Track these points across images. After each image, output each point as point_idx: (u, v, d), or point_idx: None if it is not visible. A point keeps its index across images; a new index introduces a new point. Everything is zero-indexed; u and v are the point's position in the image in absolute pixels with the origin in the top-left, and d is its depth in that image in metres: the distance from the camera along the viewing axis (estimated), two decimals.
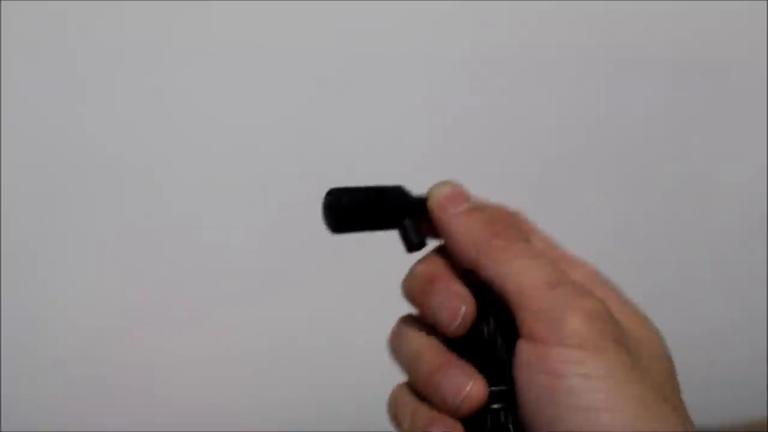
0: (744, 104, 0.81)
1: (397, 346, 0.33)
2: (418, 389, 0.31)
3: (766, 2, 0.80)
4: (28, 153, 0.62)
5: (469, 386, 0.29)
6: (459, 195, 0.33)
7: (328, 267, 0.70)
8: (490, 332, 0.31)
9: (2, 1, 0.60)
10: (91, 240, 0.65)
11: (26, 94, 0.61)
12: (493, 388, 0.30)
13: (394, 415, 0.32)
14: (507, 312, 0.30)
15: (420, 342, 0.32)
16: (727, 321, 0.84)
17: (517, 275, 0.30)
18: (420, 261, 0.33)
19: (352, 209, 0.32)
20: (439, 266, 0.32)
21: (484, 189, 0.77)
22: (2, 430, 0.64)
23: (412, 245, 0.33)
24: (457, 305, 0.31)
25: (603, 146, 0.78)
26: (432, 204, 0.33)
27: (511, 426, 0.30)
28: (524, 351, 0.29)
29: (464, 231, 0.32)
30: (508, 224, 0.32)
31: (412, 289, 0.32)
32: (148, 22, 0.63)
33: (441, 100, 0.72)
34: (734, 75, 0.80)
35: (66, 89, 0.62)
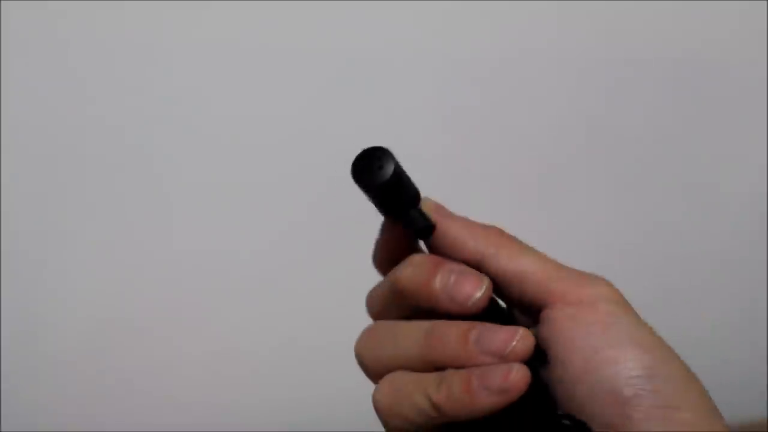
0: (744, 104, 0.81)
1: (384, 338, 0.32)
2: (440, 360, 0.30)
3: (766, 2, 0.80)
4: (28, 152, 0.62)
5: (519, 333, 0.29)
6: (446, 208, 0.35)
7: (328, 266, 0.70)
8: (505, 303, 0.32)
9: (2, 1, 0.60)
10: (91, 239, 0.65)
11: (26, 94, 0.61)
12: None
13: (391, 404, 0.31)
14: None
15: (426, 322, 0.31)
16: (727, 321, 0.84)
17: (536, 259, 0.32)
18: (413, 256, 0.33)
19: (391, 183, 0.31)
20: (437, 256, 0.33)
21: (485, 189, 0.78)
22: (2, 430, 0.64)
23: (425, 230, 0.32)
24: (477, 276, 0.31)
25: (603, 146, 0.78)
26: (431, 207, 0.33)
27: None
28: (564, 311, 0.30)
29: (471, 227, 0.33)
30: (503, 230, 0.34)
31: (417, 275, 0.32)
32: (148, 21, 0.63)
33: (441, 100, 0.72)
34: (734, 75, 0.80)
35: (66, 89, 0.62)
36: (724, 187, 0.83)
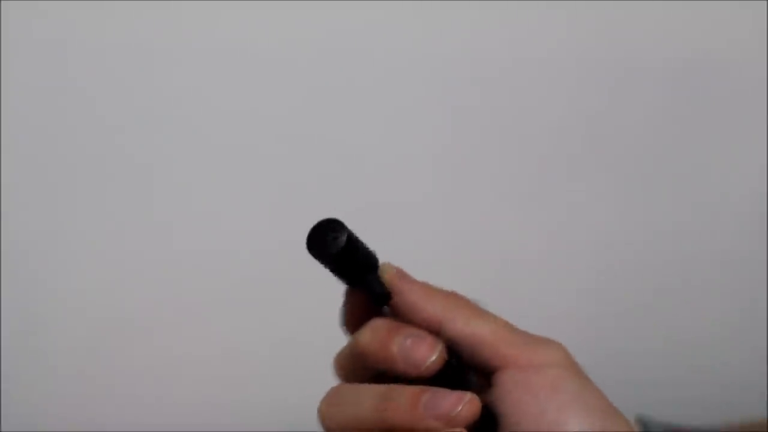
0: (744, 104, 0.81)
1: (344, 400, 0.34)
2: (392, 424, 0.32)
3: (766, 2, 0.80)
4: (28, 152, 0.62)
5: (466, 398, 0.31)
6: (407, 273, 0.37)
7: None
8: (461, 365, 0.34)
9: (2, 1, 0.60)
10: (91, 239, 0.65)
11: (26, 94, 0.61)
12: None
13: None
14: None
15: (382, 386, 0.33)
16: (727, 321, 0.84)
17: (489, 323, 0.34)
18: (374, 320, 0.35)
19: (345, 253, 0.33)
20: (395, 321, 0.35)
21: (485, 189, 0.78)
22: (2, 430, 0.64)
23: (381, 297, 0.35)
24: (432, 341, 0.33)
25: (603, 146, 0.78)
26: (391, 273, 0.35)
27: None
28: (513, 375, 0.33)
29: (430, 293, 0.35)
30: (461, 295, 0.36)
31: (375, 338, 0.34)
32: (143, 23, 0.63)
33: (441, 100, 0.72)
34: (734, 75, 0.80)
35: (66, 89, 0.62)
36: (724, 187, 0.83)
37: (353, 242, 0.33)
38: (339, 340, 0.75)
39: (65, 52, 0.62)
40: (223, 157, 0.67)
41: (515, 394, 0.32)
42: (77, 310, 0.65)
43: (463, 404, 0.31)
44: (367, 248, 0.34)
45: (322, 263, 0.34)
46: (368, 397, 0.33)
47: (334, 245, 0.33)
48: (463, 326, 0.34)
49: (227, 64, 0.66)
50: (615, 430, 0.31)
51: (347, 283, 0.35)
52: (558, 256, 0.77)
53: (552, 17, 0.74)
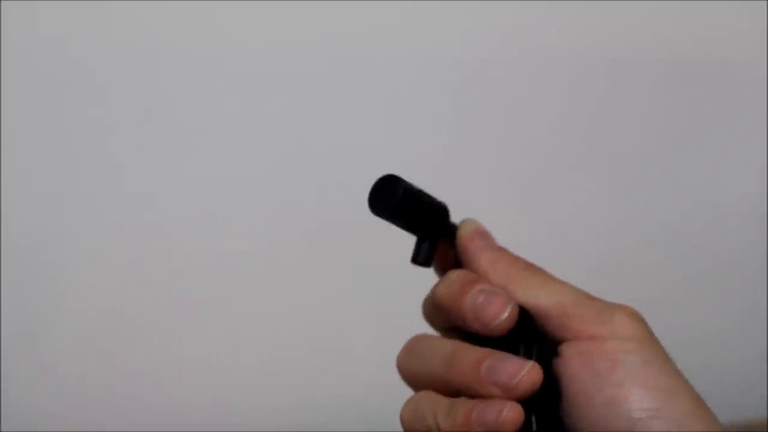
0: (744, 105, 0.81)
1: (417, 355, 0.34)
2: (457, 384, 0.31)
3: (766, 2, 0.80)
4: (28, 152, 0.62)
5: (527, 367, 0.30)
6: (487, 233, 0.36)
7: (329, 268, 0.69)
8: (534, 329, 0.32)
9: (2, 1, 0.60)
10: (91, 239, 0.65)
11: (26, 93, 0.61)
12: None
13: (410, 421, 0.32)
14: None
15: (452, 344, 0.33)
16: (727, 321, 0.84)
17: (555, 294, 0.33)
18: (452, 272, 0.34)
19: (401, 205, 0.33)
20: (474, 274, 0.34)
21: (484, 189, 0.78)
22: (2, 430, 0.64)
23: (417, 260, 0.35)
24: (504, 299, 0.32)
25: (602, 146, 0.78)
26: (465, 233, 0.35)
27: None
28: (575, 347, 0.31)
29: (498, 260, 0.34)
30: (531, 263, 0.35)
31: (449, 292, 0.33)
32: (143, 23, 0.63)
33: (441, 100, 0.72)
34: (734, 75, 0.80)
35: (66, 88, 0.62)
36: (724, 187, 0.83)
37: (408, 200, 0.33)
38: (339, 340, 0.75)
39: (65, 52, 0.62)
40: (223, 157, 0.67)
41: (575, 367, 0.31)
42: (77, 310, 0.65)
43: (523, 374, 0.30)
44: (431, 205, 0.34)
45: (385, 220, 0.34)
46: (438, 352, 0.32)
47: (389, 201, 0.33)
48: (525, 298, 0.33)
49: (228, 64, 0.66)
50: (676, 411, 0.29)
51: (416, 237, 0.35)
52: (556, 255, 0.77)
53: (553, 15, 0.74)
